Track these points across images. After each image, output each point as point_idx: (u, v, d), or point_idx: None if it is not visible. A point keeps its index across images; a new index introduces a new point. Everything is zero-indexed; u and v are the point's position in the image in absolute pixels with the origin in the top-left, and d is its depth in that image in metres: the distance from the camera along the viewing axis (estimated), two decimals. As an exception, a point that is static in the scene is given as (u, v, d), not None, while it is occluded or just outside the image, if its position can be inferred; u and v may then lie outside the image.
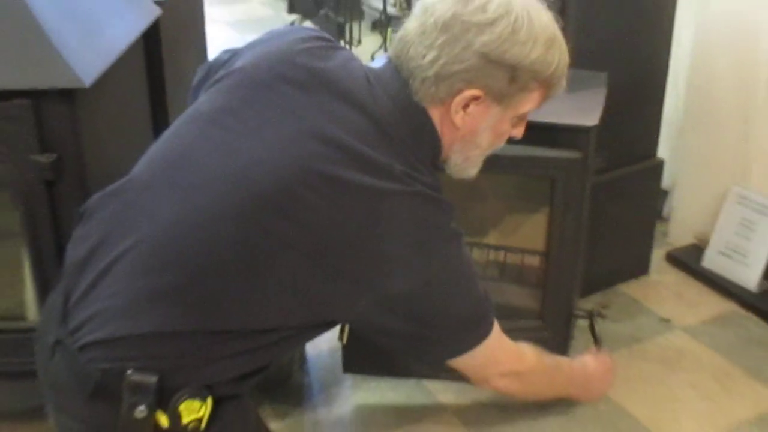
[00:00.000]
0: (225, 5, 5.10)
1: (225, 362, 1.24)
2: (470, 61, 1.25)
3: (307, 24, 4.32)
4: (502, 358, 1.49)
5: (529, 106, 1.34)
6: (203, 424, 1.22)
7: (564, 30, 1.32)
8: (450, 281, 1.32)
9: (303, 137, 1.23)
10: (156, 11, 1.96)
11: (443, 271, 1.30)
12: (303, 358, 1.95)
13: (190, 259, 1.20)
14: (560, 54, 1.31)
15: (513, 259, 2.02)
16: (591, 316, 1.89)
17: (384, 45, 3.99)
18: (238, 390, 1.29)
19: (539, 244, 1.84)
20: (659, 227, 2.42)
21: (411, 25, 1.30)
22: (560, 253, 1.77)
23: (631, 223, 2.24)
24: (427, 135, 1.31)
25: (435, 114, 1.30)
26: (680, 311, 2.18)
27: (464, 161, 1.37)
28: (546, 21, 1.29)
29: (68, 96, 1.49)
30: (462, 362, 1.43)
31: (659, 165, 2.26)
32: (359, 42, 4.09)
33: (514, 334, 1.49)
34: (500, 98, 1.29)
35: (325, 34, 1.41)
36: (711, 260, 2.28)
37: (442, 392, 1.88)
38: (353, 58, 1.36)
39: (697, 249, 2.35)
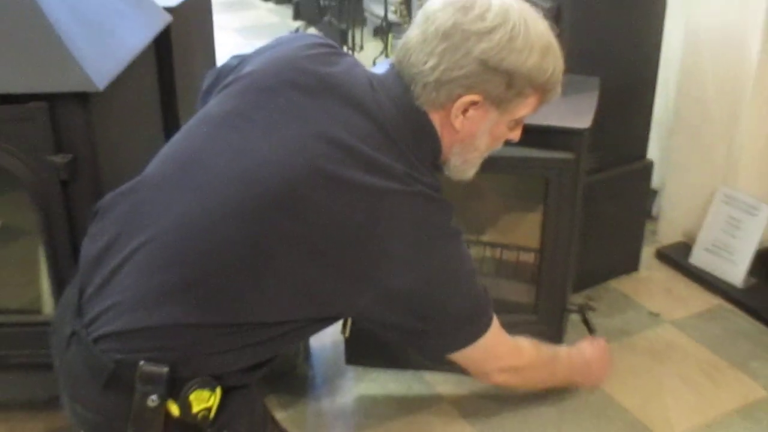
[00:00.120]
0: (233, 12, 5.09)
1: (233, 354, 1.24)
2: (469, 68, 1.25)
3: (311, 30, 4.32)
4: (501, 353, 1.49)
5: (526, 110, 1.34)
6: (212, 413, 1.23)
7: (558, 37, 1.33)
8: (450, 278, 1.32)
9: (309, 139, 1.23)
10: (166, 18, 1.96)
11: (443, 268, 1.30)
12: (307, 350, 1.95)
13: (200, 256, 1.21)
14: (555, 61, 1.31)
15: (509, 255, 2.02)
16: (582, 308, 1.90)
17: (385, 51, 3.99)
18: (246, 381, 1.29)
19: (534, 241, 1.84)
20: (649, 225, 2.42)
21: (413, 33, 1.30)
22: (554, 250, 1.77)
23: (622, 221, 2.24)
24: (427, 137, 1.31)
25: (435, 118, 1.31)
26: (669, 306, 2.18)
27: (463, 163, 1.38)
28: (542, 30, 1.29)
29: (83, 99, 1.49)
30: (462, 357, 1.43)
31: (649, 166, 2.26)
32: (361, 48, 4.09)
33: (509, 328, 1.50)
34: (498, 103, 1.30)
35: (330, 41, 1.41)
36: (698, 257, 2.28)
37: (440, 384, 1.88)
38: (357, 64, 1.37)
39: (686, 246, 2.35)
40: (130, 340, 1.20)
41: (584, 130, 1.69)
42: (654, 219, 2.52)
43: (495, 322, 1.43)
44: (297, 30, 4.43)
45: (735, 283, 2.19)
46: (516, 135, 1.41)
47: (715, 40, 2.16)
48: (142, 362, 1.18)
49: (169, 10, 2.01)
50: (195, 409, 1.21)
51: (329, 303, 1.28)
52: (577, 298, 1.92)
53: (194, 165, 1.27)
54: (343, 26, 4.01)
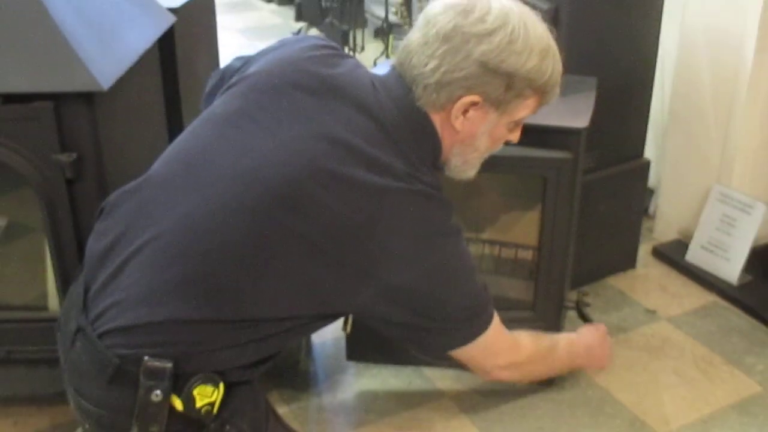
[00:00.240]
0: (236, 13, 5.09)
1: (236, 350, 1.24)
2: (469, 69, 1.25)
3: (313, 31, 4.32)
4: (501, 349, 1.49)
5: (525, 112, 1.34)
6: (215, 408, 1.23)
7: (557, 39, 1.33)
8: (450, 275, 1.32)
9: (313, 138, 1.23)
10: (170, 19, 1.96)
11: (443, 266, 1.30)
12: (309, 346, 1.95)
13: (203, 254, 1.21)
14: (554, 63, 1.31)
15: (507, 253, 2.02)
16: (577, 303, 1.90)
17: (386, 51, 3.99)
18: (249, 376, 1.29)
19: (532, 239, 1.84)
20: (645, 223, 2.43)
21: (414, 35, 1.30)
22: (552, 247, 1.77)
23: (619, 219, 2.24)
24: (428, 138, 1.31)
25: (436, 118, 1.31)
26: (665, 303, 2.18)
27: (464, 163, 1.38)
28: (541, 32, 1.29)
29: (88, 99, 1.49)
30: (463, 354, 1.43)
31: (646, 165, 2.26)
32: (362, 48, 4.09)
33: (507, 324, 1.49)
34: (497, 104, 1.30)
35: (333, 43, 1.41)
36: (694, 255, 2.28)
37: (440, 379, 1.89)
38: (359, 66, 1.37)
39: (681, 244, 2.35)
40: (134, 336, 1.20)
41: (582, 129, 1.69)
42: (650, 217, 2.52)
43: (495, 319, 1.43)
44: (299, 31, 4.43)
45: (730, 280, 2.19)
46: (515, 137, 1.41)
47: (711, 41, 2.16)
48: (146, 357, 1.18)
49: (172, 10, 2.00)
50: (198, 404, 1.21)
51: (330, 300, 1.27)
52: (571, 295, 1.92)
53: (199, 164, 1.27)
54: (345, 27, 4.01)
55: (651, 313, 2.14)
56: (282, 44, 1.42)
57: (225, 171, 1.23)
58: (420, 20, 1.31)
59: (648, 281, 2.29)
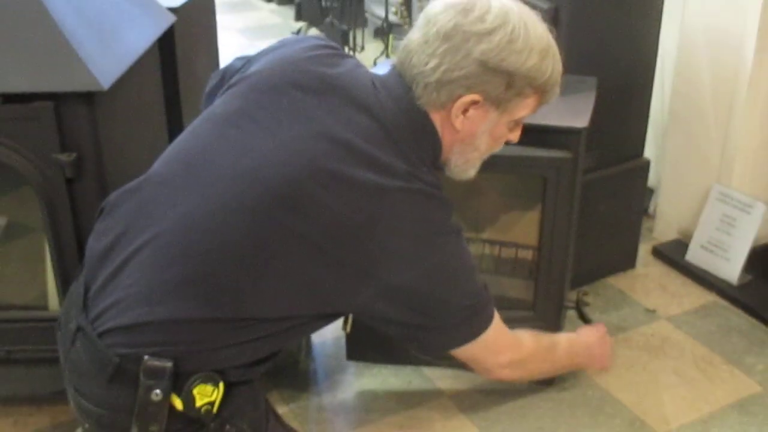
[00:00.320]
0: (236, 13, 5.09)
1: (236, 349, 1.24)
2: (470, 68, 1.25)
3: (313, 31, 4.32)
4: (502, 348, 1.49)
5: (525, 111, 1.34)
6: (215, 408, 1.23)
7: (557, 39, 1.33)
8: (450, 274, 1.32)
9: (313, 137, 1.23)
10: (170, 18, 1.96)
11: (443, 265, 1.30)
12: (309, 345, 1.95)
13: (203, 253, 1.21)
14: (554, 63, 1.31)
15: (507, 253, 2.02)
16: (577, 302, 1.90)
17: (386, 51, 3.99)
18: (249, 376, 1.29)
19: (532, 239, 1.84)
20: (645, 223, 2.43)
21: (414, 35, 1.30)
22: (552, 247, 1.77)
23: (619, 219, 2.24)
24: (428, 137, 1.31)
25: (436, 118, 1.30)
26: (664, 302, 2.18)
27: (464, 163, 1.38)
28: (541, 32, 1.29)
29: (88, 98, 1.49)
30: (464, 353, 1.43)
31: (646, 164, 2.26)
32: (362, 48, 4.09)
33: (508, 323, 1.49)
34: (497, 103, 1.30)
35: (333, 43, 1.41)
36: (694, 254, 2.28)
37: (439, 378, 1.89)
38: (359, 65, 1.37)
39: (681, 244, 2.35)
40: (134, 335, 1.20)
41: (582, 129, 1.69)
42: (650, 217, 2.52)
43: (496, 318, 1.43)
44: (299, 31, 4.42)
45: (730, 280, 2.19)
46: (515, 136, 1.41)
47: (711, 41, 2.16)
48: (146, 357, 1.18)
49: (172, 10, 2.00)
50: (198, 403, 1.21)
51: (330, 300, 1.27)
52: (571, 295, 1.92)
53: (199, 164, 1.27)
54: (345, 27, 4.00)
55: (651, 313, 2.14)
56: (282, 44, 1.42)
57: (225, 171, 1.23)
58: (420, 19, 1.31)
59: (648, 281, 2.29)
